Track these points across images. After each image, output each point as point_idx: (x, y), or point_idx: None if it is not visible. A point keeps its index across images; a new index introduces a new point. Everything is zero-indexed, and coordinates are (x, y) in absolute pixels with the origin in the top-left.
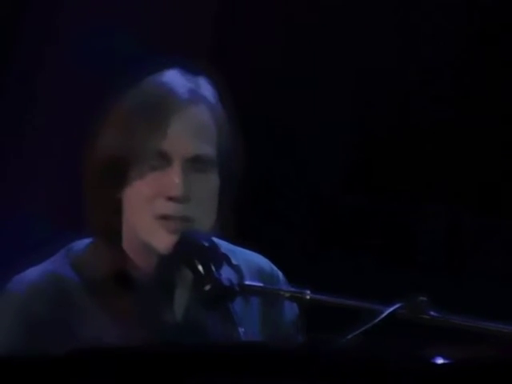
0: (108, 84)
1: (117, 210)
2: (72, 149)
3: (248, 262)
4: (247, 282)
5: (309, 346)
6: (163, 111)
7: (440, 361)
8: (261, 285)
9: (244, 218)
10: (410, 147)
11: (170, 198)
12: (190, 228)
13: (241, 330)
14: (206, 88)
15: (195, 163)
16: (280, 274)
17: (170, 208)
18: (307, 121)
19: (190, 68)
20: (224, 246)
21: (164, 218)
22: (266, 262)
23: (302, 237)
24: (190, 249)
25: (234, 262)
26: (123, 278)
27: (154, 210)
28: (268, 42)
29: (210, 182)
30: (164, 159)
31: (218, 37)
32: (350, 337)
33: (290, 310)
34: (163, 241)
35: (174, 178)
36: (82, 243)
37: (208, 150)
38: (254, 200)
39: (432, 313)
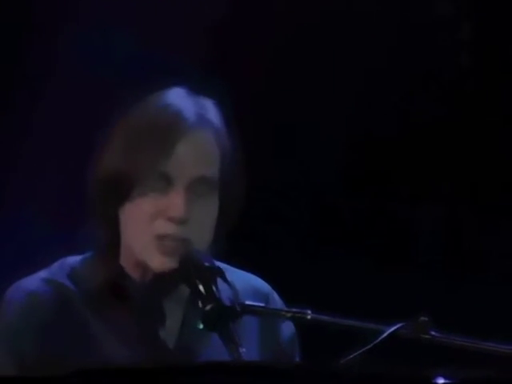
0: (112, 92)
1: (117, 224)
2: (73, 156)
3: (243, 282)
4: (248, 302)
5: (311, 366)
6: (170, 134)
7: (441, 381)
8: (262, 305)
9: (244, 217)
10: (409, 147)
11: (171, 219)
12: (188, 248)
13: (242, 350)
14: (212, 111)
15: (197, 186)
16: (275, 294)
17: (169, 228)
18: (307, 121)
19: (195, 84)
20: (219, 265)
21: (162, 237)
22: (261, 282)
23: (301, 237)
24: (191, 268)
25: (228, 278)
26: (120, 292)
27: (153, 230)
28: (268, 43)
29: (210, 206)
30: (166, 181)
31: (217, 37)
32: (351, 356)
33: (288, 329)
34: (159, 261)
35: (175, 200)
36: (76, 257)
37: (210, 173)
38: (254, 200)
39: (434, 333)
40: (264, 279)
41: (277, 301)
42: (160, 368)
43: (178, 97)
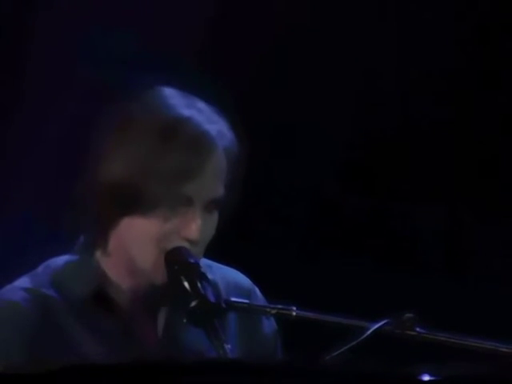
0: (104, 89)
1: (111, 230)
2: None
3: (225, 278)
4: (233, 299)
5: (295, 363)
6: (198, 155)
7: (426, 378)
8: (247, 301)
9: (244, 217)
10: (409, 147)
11: (186, 239)
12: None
13: (227, 346)
14: (224, 124)
15: (211, 206)
16: (257, 289)
17: None
18: (307, 120)
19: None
20: (201, 261)
21: None
22: (242, 277)
23: (301, 237)
24: (176, 265)
25: (210, 276)
26: (106, 302)
27: (165, 246)
28: (269, 42)
29: (215, 221)
30: (187, 203)
31: (218, 35)
32: (336, 353)
33: (269, 323)
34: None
35: (193, 222)
36: (60, 260)
37: (222, 192)
38: (254, 200)
39: (419, 329)
40: (264, 279)
41: (258, 296)
42: (146, 365)
43: (186, 104)
